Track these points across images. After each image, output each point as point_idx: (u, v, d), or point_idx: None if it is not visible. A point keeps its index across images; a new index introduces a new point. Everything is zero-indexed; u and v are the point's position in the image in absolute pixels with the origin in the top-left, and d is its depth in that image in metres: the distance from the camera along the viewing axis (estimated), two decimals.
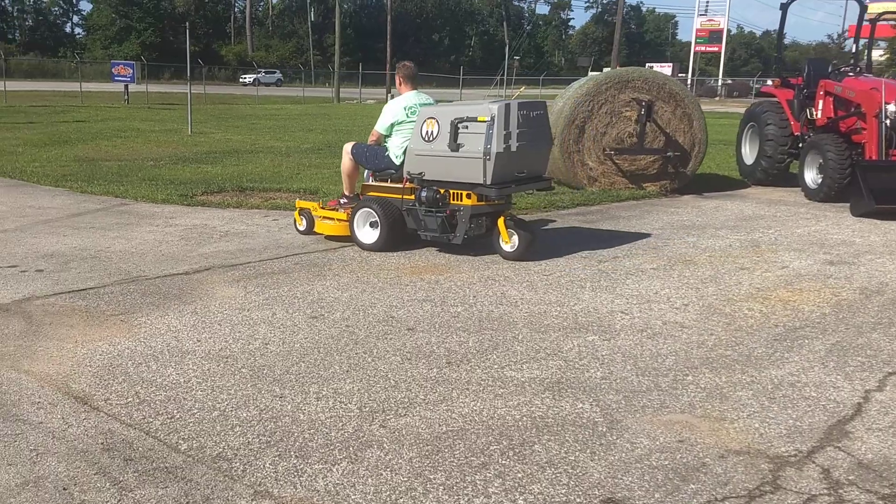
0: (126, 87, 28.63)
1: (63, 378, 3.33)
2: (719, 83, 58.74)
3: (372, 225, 5.82)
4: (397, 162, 5.91)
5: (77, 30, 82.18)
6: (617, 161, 8.58)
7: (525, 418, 2.99)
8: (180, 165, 10.89)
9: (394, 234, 5.72)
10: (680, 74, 63.19)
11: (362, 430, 2.88)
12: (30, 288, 4.68)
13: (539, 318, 4.22)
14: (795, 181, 9.11)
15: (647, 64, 62.54)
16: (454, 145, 5.36)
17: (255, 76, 55.25)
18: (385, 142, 6.07)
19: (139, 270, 5.14)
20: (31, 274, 4.99)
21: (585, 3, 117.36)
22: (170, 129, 17.63)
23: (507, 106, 5.30)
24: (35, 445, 2.74)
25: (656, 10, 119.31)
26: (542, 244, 5.95)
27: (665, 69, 64.30)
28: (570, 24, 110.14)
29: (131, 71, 28.61)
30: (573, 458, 2.70)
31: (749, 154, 10.10)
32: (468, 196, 5.47)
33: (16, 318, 4.13)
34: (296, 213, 6.44)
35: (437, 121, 5.48)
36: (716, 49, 61.19)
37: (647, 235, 6.53)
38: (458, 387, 3.28)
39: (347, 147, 6.26)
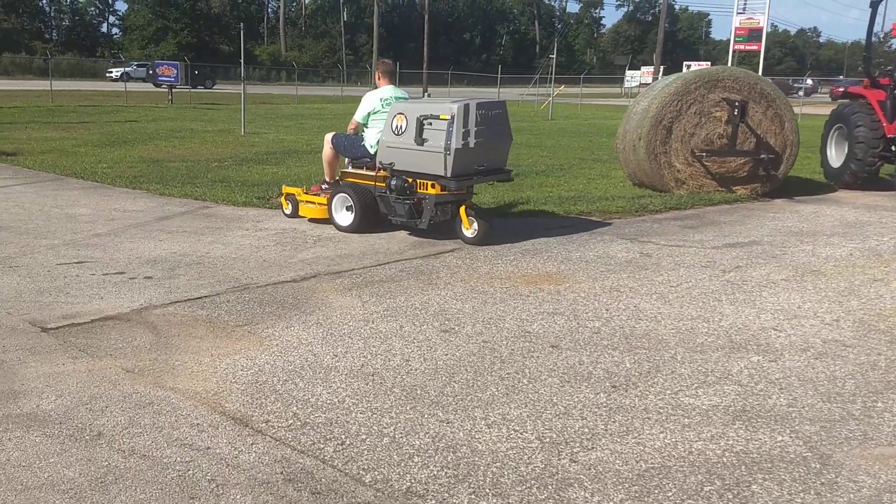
0: (170, 87, 28.83)
1: (213, 396, 3.16)
2: None
3: (348, 209, 6.36)
4: (372, 151, 6.39)
5: (113, 30, 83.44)
6: (706, 163, 8.26)
7: (727, 453, 2.74)
8: (245, 166, 10.79)
9: (367, 218, 6.25)
10: None
11: (553, 466, 2.65)
12: (144, 296, 4.54)
13: (689, 336, 3.97)
14: (884, 185, 8.73)
15: (684, 63, 61.90)
16: (419, 140, 5.82)
17: (123, 70, 46.73)
18: (362, 131, 6.61)
19: (247, 277, 4.98)
20: (140, 281, 4.85)
21: (617, 1, 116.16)
22: (221, 129, 17.62)
23: (467, 106, 5.70)
24: (212, 475, 2.55)
25: (689, 8, 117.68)
26: (654, 250, 5.70)
27: (703, 67, 63.62)
28: (601, 22, 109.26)
29: (175, 72, 28.79)
30: (800, 500, 2.45)
31: (835, 157, 9.70)
32: (433, 186, 5.94)
33: (140, 328, 3.98)
34: (282, 198, 6.99)
35: (405, 116, 5.94)
36: (755, 47, 60.00)
37: (757, 243, 6.22)
38: (636, 415, 3.04)
39: (328, 137, 6.84)
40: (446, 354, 3.67)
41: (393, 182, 6.05)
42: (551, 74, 53.19)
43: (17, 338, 3.80)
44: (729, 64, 63.39)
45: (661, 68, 48.69)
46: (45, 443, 2.74)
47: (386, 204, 6.23)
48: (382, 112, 6.37)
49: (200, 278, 4.95)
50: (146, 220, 6.77)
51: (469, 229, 6.01)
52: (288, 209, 6.89)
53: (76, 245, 5.74)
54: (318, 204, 6.65)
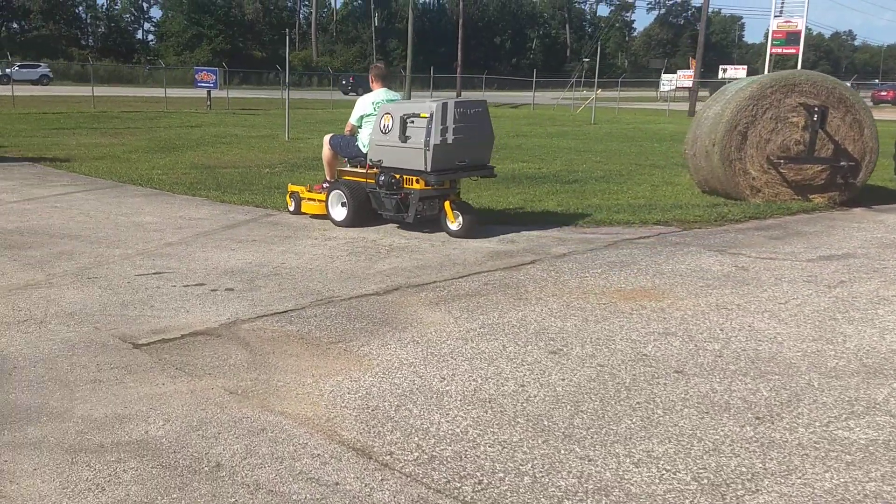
0: (209, 93, 29.01)
1: (326, 423, 2.96)
2: None
3: (342, 205, 6.74)
4: (365, 150, 6.75)
5: (148, 36, 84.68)
6: (782, 170, 7.93)
7: None
8: (297, 173, 10.68)
9: (360, 213, 6.64)
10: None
11: None
12: (230, 309, 4.38)
13: (818, 360, 3.69)
14: None
15: (720, 67, 60.89)
16: (403, 137, 6.19)
17: (5, 71, 40.65)
18: (357, 132, 6.98)
19: (328, 290, 4.80)
20: (222, 293, 4.70)
21: (647, 4, 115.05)
22: (265, 134, 17.61)
23: (445, 105, 6.11)
24: None
25: (722, 11, 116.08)
26: (748, 263, 5.42)
27: (739, 72, 62.34)
28: (632, 25, 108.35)
29: (214, 77, 28.97)
30: None
31: None
32: (417, 181, 6.28)
33: (233, 345, 3.81)
34: (287, 195, 7.38)
35: (391, 116, 6.30)
36: (793, 51, 58.76)
37: (853, 255, 5.90)
38: (792, 451, 2.78)
39: (326, 138, 7.26)
40: (563, 380, 3.44)
41: (381, 178, 6.42)
42: (584, 77, 52.64)
43: (111, 355, 3.65)
44: (766, 68, 62.24)
45: (699, 72, 47.83)
46: (164, 475, 2.57)
47: (377, 199, 6.63)
48: (375, 115, 6.68)
49: (282, 290, 4.78)
50: (213, 229, 6.64)
51: (454, 223, 6.35)
52: (291, 206, 7.26)
53: (150, 255, 5.62)
54: (318, 201, 7.02)
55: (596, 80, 30.99)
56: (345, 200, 6.67)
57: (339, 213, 6.72)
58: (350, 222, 6.61)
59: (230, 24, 68.18)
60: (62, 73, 58.98)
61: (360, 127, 6.94)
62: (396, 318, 4.29)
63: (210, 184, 9.24)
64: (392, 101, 6.81)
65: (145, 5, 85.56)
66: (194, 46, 66.30)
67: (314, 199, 7.03)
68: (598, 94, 40.25)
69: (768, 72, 60.20)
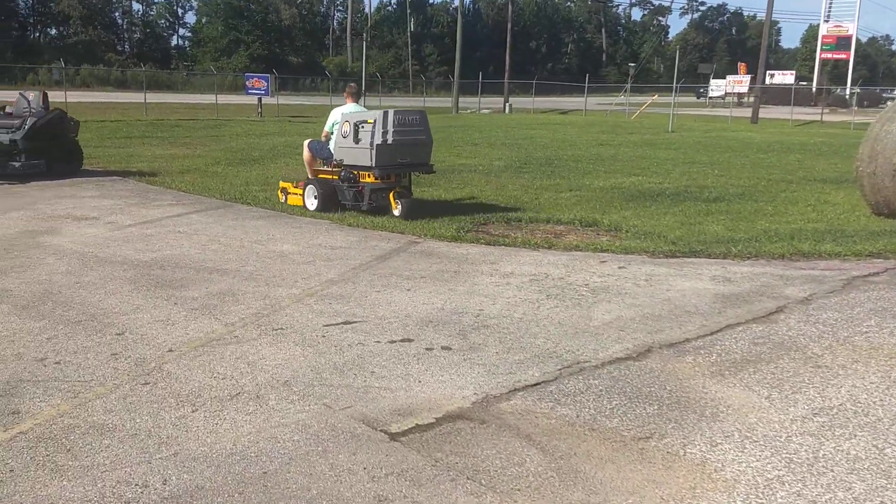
0: (260, 100, 28.46)
1: None
2: (847, 92, 54.55)
3: (315, 197, 7.94)
4: (334, 153, 7.93)
5: (183, 42, 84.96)
6: None
7: None
8: None
9: (328, 203, 7.83)
10: (802, 83, 59.51)
11: None
12: (467, 379, 3.56)
13: None
14: None
15: (767, 72, 59.40)
16: (356, 139, 7.46)
17: None
18: (331, 137, 8.13)
19: (564, 350, 3.96)
20: (441, 354, 3.88)
21: (680, 8, 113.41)
22: None
23: (387, 113, 7.43)
24: None
25: (758, 15, 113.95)
26: None
27: (787, 77, 60.83)
28: (668, 30, 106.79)
29: (266, 84, 28.42)
30: None
31: None
32: (369, 176, 7.56)
33: (512, 439, 2.98)
34: (279, 191, 8.61)
35: (349, 123, 7.58)
36: (843, 56, 57.31)
37: None
38: None
39: (305, 143, 8.49)
40: None
41: (342, 174, 7.73)
42: (628, 84, 51.57)
43: (369, 451, 2.84)
44: (815, 74, 60.49)
45: (748, 77, 46.57)
46: None
47: (340, 192, 7.87)
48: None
49: (508, 351, 3.95)
50: (365, 261, 5.84)
51: (396, 209, 7.56)
52: (282, 199, 8.45)
53: (321, 297, 4.83)
54: (298, 194, 8.21)
55: (631, 84, 29.96)
56: (316, 194, 7.95)
57: (312, 203, 7.98)
58: (320, 209, 7.83)
59: (267, 29, 67.90)
60: (102, 79, 59.21)
61: (332, 133, 8.15)
62: (688, 397, 3.43)
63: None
64: (356, 112, 8.05)
65: (180, 11, 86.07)
66: (231, 52, 66.09)
67: (296, 194, 8.26)
68: (654, 99, 39.25)
69: (818, 77, 58.35)
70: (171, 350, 3.82)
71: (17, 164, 9.70)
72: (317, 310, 4.56)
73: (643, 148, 17.10)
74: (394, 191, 7.60)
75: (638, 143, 18.42)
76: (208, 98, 34.40)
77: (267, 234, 6.76)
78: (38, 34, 74.25)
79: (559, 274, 5.55)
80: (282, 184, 8.73)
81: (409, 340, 4.07)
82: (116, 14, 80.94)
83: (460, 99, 38.06)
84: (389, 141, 7.31)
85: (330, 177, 8.02)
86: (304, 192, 8.06)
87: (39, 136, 9.94)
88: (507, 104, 38.80)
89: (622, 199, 9.32)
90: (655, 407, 3.32)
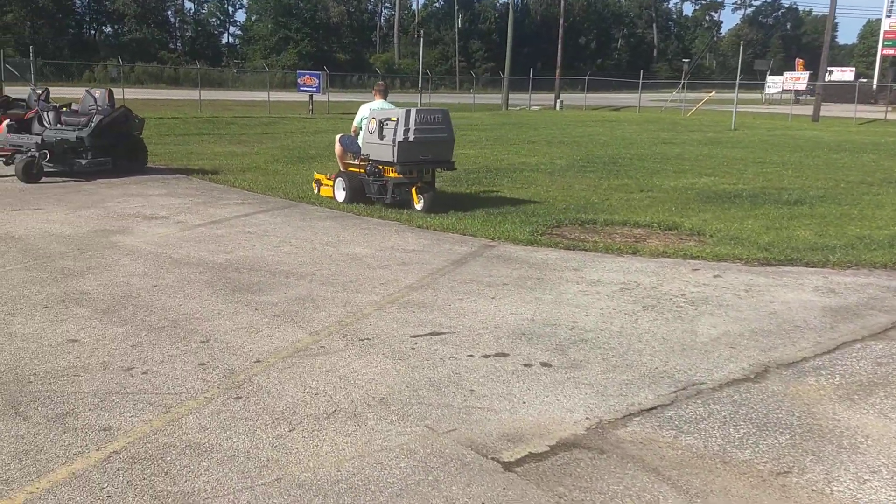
0: (311, 97, 28.54)
1: None
2: None
3: (343, 189, 8.26)
4: (362, 147, 8.13)
5: (233, 40, 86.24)
6: None
7: None
8: (461, 186, 9.66)
9: (355, 196, 8.12)
10: (862, 80, 57.29)
11: None
12: (576, 401, 3.30)
13: None
14: None
15: (828, 68, 57.35)
16: (381, 136, 7.67)
17: None
18: (359, 132, 8.31)
19: (675, 369, 3.67)
20: (542, 371, 3.63)
21: (733, 3, 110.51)
22: None
23: (409, 111, 7.66)
24: None
25: (814, 11, 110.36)
26: None
27: (846, 73, 58.60)
28: (720, 25, 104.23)
29: (317, 81, 28.48)
30: None
31: None
32: (392, 171, 7.73)
33: (639, 472, 2.71)
34: (313, 182, 8.99)
35: (376, 120, 7.76)
36: None
37: None
38: None
39: (337, 137, 8.79)
40: None
41: (368, 168, 7.96)
42: (685, 80, 50.29)
43: (484, 484, 2.61)
44: (876, 70, 58.11)
45: (805, 74, 45.04)
46: None
47: (366, 185, 8.09)
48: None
49: (613, 369, 3.68)
50: (442, 266, 5.62)
51: (418, 203, 7.79)
52: (315, 190, 8.81)
53: (402, 304, 4.62)
54: (330, 186, 8.54)
55: (687, 80, 29.07)
56: (344, 186, 8.26)
57: (341, 195, 8.29)
58: (348, 201, 8.13)
59: (315, 27, 68.35)
60: (155, 76, 60.45)
61: (360, 128, 8.29)
62: (820, 425, 3.11)
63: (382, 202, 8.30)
64: (384, 109, 8.25)
65: (231, 9, 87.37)
66: (281, 49, 66.75)
67: (328, 185, 8.61)
68: (711, 95, 38.25)
69: (879, 73, 56.23)
70: (258, 360, 3.66)
71: (83, 162, 9.77)
72: (401, 319, 4.35)
73: (709, 146, 16.51)
74: (416, 185, 7.83)
75: (702, 142, 17.81)
76: (259, 95, 34.74)
77: (337, 236, 6.60)
78: (93, 32, 76.20)
79: (650, 282, 5.24)
80: (316, 175, 9.09)
81: (504, 355, 3.83)
82: (169, 12, 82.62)
83: (515, 96, 37.61)
84: (411, 138, 7.55)
85: (358, 171, 8.26)
86: (334, 184, 8.42)
87: (106, 133, 9.99)
88: (558, 101, 38.22)
89: (698, 201, 8.92)
90: (787, 436, 3.02)
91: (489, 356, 3.81)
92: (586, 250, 6.24)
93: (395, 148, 7.51)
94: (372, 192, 8.02)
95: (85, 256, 5.59)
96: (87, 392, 3.22)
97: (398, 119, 7.54)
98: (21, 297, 4.56)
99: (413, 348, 3.89)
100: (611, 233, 7.09)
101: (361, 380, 3.46)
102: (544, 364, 3.73)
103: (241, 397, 3.25)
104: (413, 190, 7.80)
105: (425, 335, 4.09)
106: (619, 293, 4.99)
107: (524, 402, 3.29)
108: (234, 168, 11.22)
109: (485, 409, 3.20)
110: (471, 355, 3.81)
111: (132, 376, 3.43)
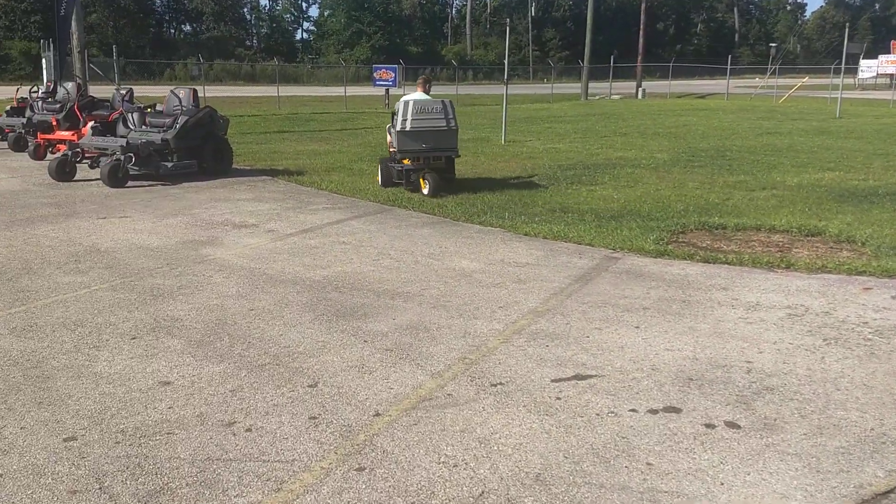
0: (387, 91, 28.18)
1: None
2: None
3: (380, 174, 8.95)
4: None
5: (307, 35, 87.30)
6: None
7: None
8: (564, 187, 8.90)
9: (387, 180, 8.76)
10: None
11: None
12: (784, 481, 2.55)
13: None
14: None
15: None
16: (393, 126, 8.48)
17: None
18: None
19: (892, 429, 2.90)
20: (726, 433, 2.87)
21: None
22: (474, 137, 16.05)
23: (406, 103, 8.29)
24: None
25: None
26: None
27: None
28: (804, 7, 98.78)
29: (393, 75, 28.10)
30: None
31: None
32: (406, 158, 8.47)
33: None
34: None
35: (397, 111, 8.41)
36: None
37: None
38: None
39: (388, 126, 9.12)
40: None
41: (392, 156, 8.69)
42: (776, 65, 47.56)
43: None
44: None
45: None
46: None
47: (394, 172, 8.67)
48: None
49: (820, 432, 2.90)
50: (564, 284, 4.92)
51: (424, 188, 8.25)
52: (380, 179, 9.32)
53: (531, 336, 3.95)
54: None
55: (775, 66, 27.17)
56: (381, 171, 8.97)
57: (379, 179, 8.95)
58: (382, 185, 8.81)
59: (388, 20, 68.27)
60: (233, 73, 61.65)
61: None
62: None
63: (481, 205, 7.64)
64: (420, 100, 8.53)
65: (304, 5, 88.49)
66: (354, 44, 67.00)
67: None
68: (804, 81, 36.00)
69: None
70: (377, 414, 3.06)
71: (169, 165, 9.50)
72: (533, 355, 3.68)
73: (819, 137, 15.13)
74: (423, 172, 8.33)
75: (809, 132, 16.38)
76: (334, 90, 34.65)
77: (439, 246, 5.98)
78: (173, 31, 78.45)
79: (820, 307, 4.40)
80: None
81: (676, 410, 3.11)
82: (245, 10, 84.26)
83: (595, 84, 36.28)
84: (408, 128, 8.19)
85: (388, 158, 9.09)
86: (378, 170, 9.19)
87: (191, 134, 9.70)
88: (639, 88, 36.68)
89: (831, 200, 7.89)
90: None
91: (657, 411, 3.10)
92: (729, 263, 5.41)
93: (395, 138, 8.34)
94: (395, 177, 8.66)
95: (175, 273, 5.16)
96: (183, 458, 2.69)
97: (398, 110, 8.30)
98: (107, 324, 4.12)
99: (559, 398, 3.21)
100: (747, 240, 6.22)
101: (506, 445, 2.81)
102: (730, 424, 2.99)
103: (363, 468, 2.65)
104: (421, 176, 8.34)
105: (569, 379, 3.41)
106: (788, 321, 4.17)
107: (722, 484, 2.57)
108: (319, 168, 10.79)
109: (674, 495, 2.50)
110: (633, 410, 3.11)
111: (234, 434, 2.89)
